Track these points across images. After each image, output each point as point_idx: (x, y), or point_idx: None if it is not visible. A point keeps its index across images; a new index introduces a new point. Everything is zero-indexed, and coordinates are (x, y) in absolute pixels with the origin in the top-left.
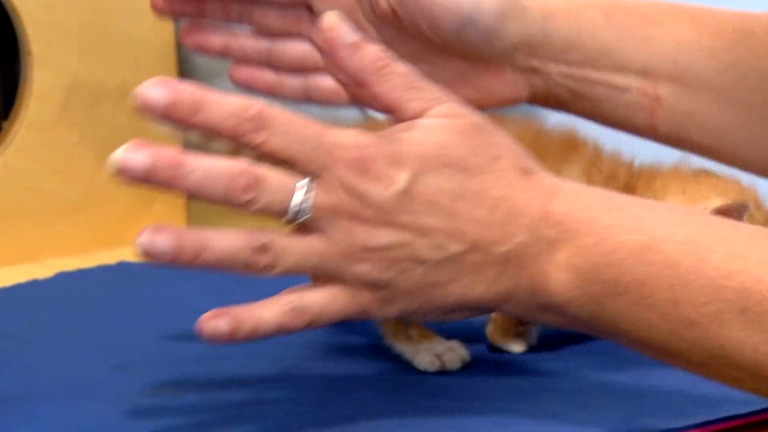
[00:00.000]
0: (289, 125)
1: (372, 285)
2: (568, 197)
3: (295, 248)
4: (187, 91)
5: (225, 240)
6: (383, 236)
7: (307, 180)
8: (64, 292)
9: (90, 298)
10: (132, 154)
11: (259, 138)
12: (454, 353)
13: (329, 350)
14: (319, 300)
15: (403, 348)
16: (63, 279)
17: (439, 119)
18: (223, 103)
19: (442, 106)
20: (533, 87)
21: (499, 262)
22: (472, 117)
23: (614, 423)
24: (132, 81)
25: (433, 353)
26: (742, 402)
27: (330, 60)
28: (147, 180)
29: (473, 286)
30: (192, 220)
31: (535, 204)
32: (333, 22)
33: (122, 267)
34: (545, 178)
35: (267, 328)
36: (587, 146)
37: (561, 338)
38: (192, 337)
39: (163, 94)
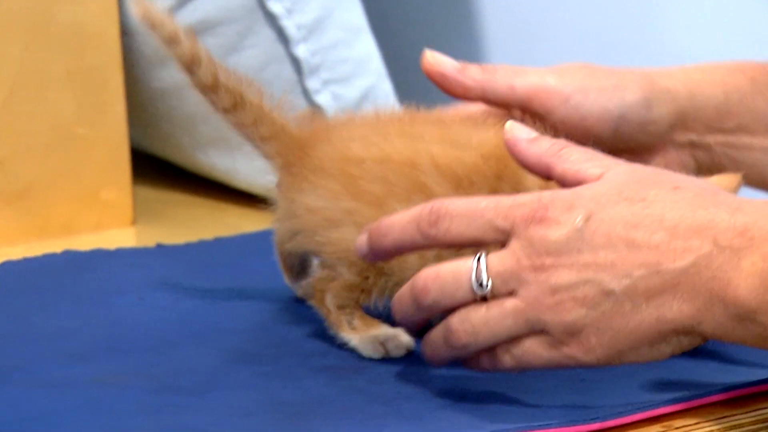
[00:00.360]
0: (463, 207)
1: (571, 328)
2: (750, 210)
3: (491, 317)
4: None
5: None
6: (568, 277)
7: (473, 259)
8: (9, 282)
9: (36, 287)
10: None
11: (441, 230)
12: (398, 341)
13: (277, 338)
14: (528, 348)
15: (348, 336)
16: (8, 268)
17: (613, 171)
18: (401, 217)
19: (621, 166)
20: (699, 161)
21: (686, 278)
22: (650, 167)
23: (559, 406)
24: (77, 69)
25: (377, 341)
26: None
27: (515, 156)
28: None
29: (666, 308)
30: (138, 208)
31: (717, 218)
32: (511, 126)
33: (68, 256)
34: (727, 196)
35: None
36: None
37: None
38: (140, 325)
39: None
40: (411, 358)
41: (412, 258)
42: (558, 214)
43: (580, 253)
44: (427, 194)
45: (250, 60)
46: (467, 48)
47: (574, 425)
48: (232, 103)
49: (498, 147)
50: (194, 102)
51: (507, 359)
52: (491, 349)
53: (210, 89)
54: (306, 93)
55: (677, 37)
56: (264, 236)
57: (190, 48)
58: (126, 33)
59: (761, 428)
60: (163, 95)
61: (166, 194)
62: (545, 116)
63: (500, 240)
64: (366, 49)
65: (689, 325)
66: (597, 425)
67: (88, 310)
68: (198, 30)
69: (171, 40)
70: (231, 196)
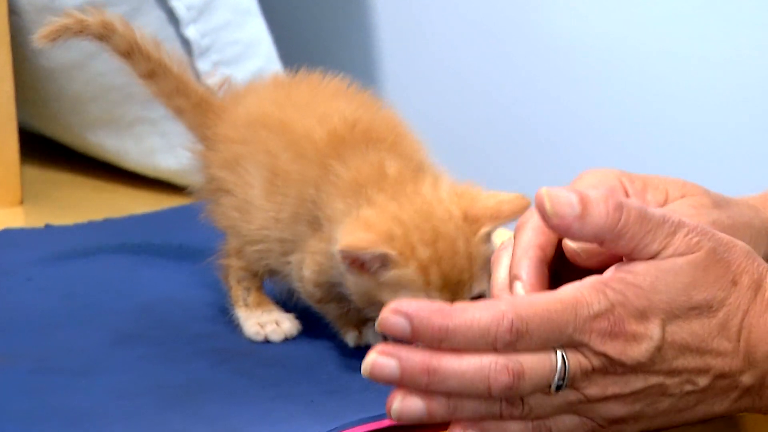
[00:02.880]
0: (541, 322)
1: (618, 419)
2: None
3: (550, 402)
4: (430, 319)
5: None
6: (636, 383)
7: (560, 361)
8: None
9: None
10: (382, 360)
11: (516, 347)
12: (278, 326)
13: (164, 321)
14: (565, 424)
15: (239, 313)
16: None
17: (676, 259)
18: (473, 325)
19: (677, 243)
20: None
21: (744, 388)
22: (707, 244)
23: None
24: None
25: (257, 323)
26: None
27: (570, 237)
28: (402, 384)
29: (719, 405)
30: (26, 188)
31: None
32: (552, 205)
33: None
34: None
35: None
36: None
37: None
38: (26, 305)
39: (404, 326)
40: (302, 342)
41: (263, 222)
42: (633, 327)
43: (653, 365)
44: (273, 159)
45: None
46: (358, 28)
47: None
48: (150, 70)
49: (344, 125)
50: (83, 82)
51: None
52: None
53: (126, 55)
54: (196, 74)
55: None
56: (154, 218)
57: (98, 22)
58: (14, 12)
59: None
60: (52, 74)
61: (54, 174)
62: None
63: (571, 346)
64: (256, 31)
65: (734, 414)
66: None
67: None
68: (86, 11)
69: (81, 29)
70: (120, 177)
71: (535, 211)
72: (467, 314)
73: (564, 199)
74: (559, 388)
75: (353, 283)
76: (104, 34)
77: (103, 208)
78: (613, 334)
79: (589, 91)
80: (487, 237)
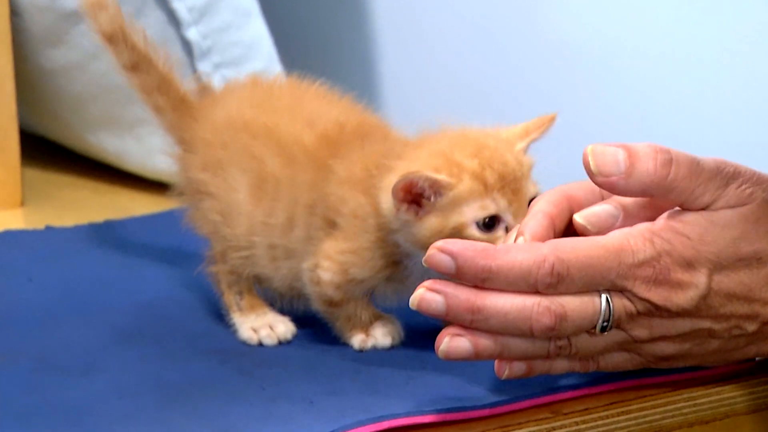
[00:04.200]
0: (582, 267)
1: (666, 357)
2: None
3: (594, 342)
4: (474, 259)
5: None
6: (683, 326)
7: (605, 304)
8: None
9: None
10: (429, 296)
11: (558, 289)
12: (272, 331)
13: (164, 320)
14: (614, 359)
15: (234, 318)
16: None
17: (727, 211)
18: (514, 266)
19: (729, 195)
20: None
21: None
22: (760, 195)
23: (450, 392)
24: None
25: (251, 327)
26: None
27: (617, 194)
28: (448, 319)
29: (766, 347)
30: (26, 190)
31: None
32: (596, 164)
33: None
34: None
35: (560, 370)
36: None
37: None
38: (27, 304)
39: (449, 264)
40: (302, 342)
41: (250, 228)
42: (679, 276)
43: (698, 311)
44: (259, 164)
45: None
46: (358, 29)
47: (460, 411)
48: (134, 62)
49: (334, 127)
50: (84, 83)
51: (592, 366)
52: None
53: (109, 40)
54: (198, 76)
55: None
56: (154, 219)
57: None
58: (15, 13)
59: (648, 414)
60: (53, 75)
61: (55, 176)
62: None
63: (614, 290)
64: (257, 32)
65: None
66: (486, 411)
67: None
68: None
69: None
70: (121, 178)
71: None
72: (509, 256)
73: (610, 157)
74: (604, 329)
75: (420, 230)
76: (93, 9)
77: (103, 209)
78: (657, 282)
79: (589, 92)
80: (522, 153)
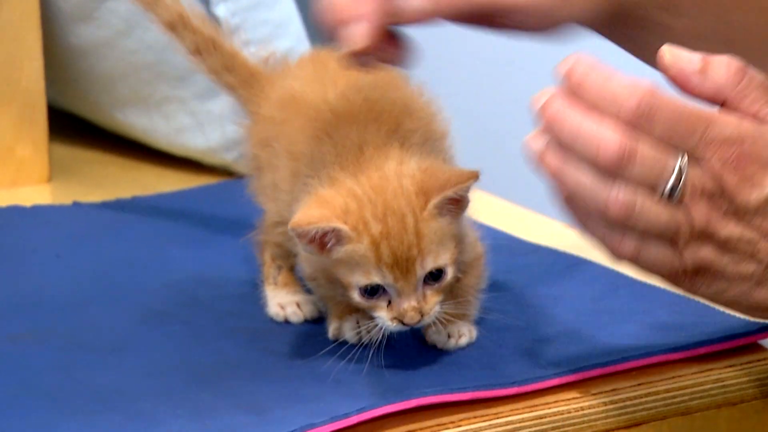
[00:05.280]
0: (670, 115)
1: (701, 267)
2: None
3: (655, 212)
4: (578, 61)
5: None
6: (733, 229)
7: (683, 161)
8: None
9: None
10: (541, 97)
11: (642, 129)
12: (298, 309)
13: (192, 299)
14: (654, 252)
15: (266, 292)
16: None
17: None
18: (606, 86)
19: None
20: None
21: None
22: None
23: (476, 371)
24: None
25: (280, 304)
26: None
27: (688, 93)
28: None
29: None
30: (54, 166)
31: None
32: (672, 57)
33: None
34: None
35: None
36: None
37: None
38: (55, 282)
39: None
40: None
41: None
42: (755, 171)
43: (756, 216)
44: (292, 143)
45: None
46: None
47: (489, 389)
48: (197, 46)
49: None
50: (113, 60)
51: (630, 247)
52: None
53: (171, 28)
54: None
55: None
56: (182, 196)
57: None
58: None
59: (677, 395)
60: (81, 53)
61: (82, 152)
62: None
63: (691, 155)
64: (286, 11)
65: None
66: (515, 389)
67: (3, 267)
68: None
69: None
70: (149, 155)
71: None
72: (609, 75)
73: (685, 55)
74: (672, 193)
75: (309, 262)
76: (149, 3)
77: (131, 186)
78: (734, 165)
79: None
80: (439, 210)
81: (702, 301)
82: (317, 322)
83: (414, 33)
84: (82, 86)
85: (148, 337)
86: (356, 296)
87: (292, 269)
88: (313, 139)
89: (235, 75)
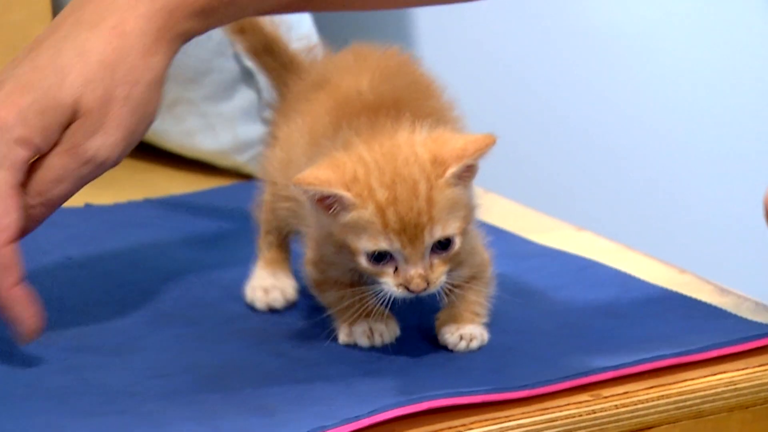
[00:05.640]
0: None
1: None
2: None
3: None
4: None
5: None
6: None
7: None
8: None
9: None
10: None
11: None
12: (280, 294)
13: (200, 301)
14: None
15: (256, 268)
16: None
17: None
18: None
19: None
20: None
21: None
22: None
23: (486, 373)
24: (3, 24)
25: (261, 287)
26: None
27: None
28: None
29: None
30: None
31: None
32: None
33: None
34: None
35: None
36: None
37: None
38: (65, 284)
39: None
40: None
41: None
42: None
43: None
44: (314, 123)
45: None
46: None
47: (500, 392)
48: (239, 26)
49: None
50: None
51: None
52: None
53: (238, 32)
54: (237, 56)
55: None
56: (192, 198)
57: None
58: None
59: (689, 398)
60: None
61: None
62: None
63: None
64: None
65: None
66: (526, 392)
67: None
68: None
69: None
70: (160, 157)
71: None
72: None
73: None
74: None
75: (319, 223)
76: None
77: (142, 188)
78: None
79: (629, 79)
80: (455, 178)
81: (714, 304)
82: (325, 323)
83: (423, 33)
84: None
85: (155, 338)
86: (363, 262)
87: (281, 247)
88: (337, 120)
89: (273, 57)
